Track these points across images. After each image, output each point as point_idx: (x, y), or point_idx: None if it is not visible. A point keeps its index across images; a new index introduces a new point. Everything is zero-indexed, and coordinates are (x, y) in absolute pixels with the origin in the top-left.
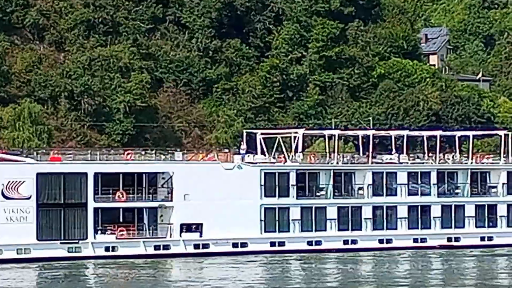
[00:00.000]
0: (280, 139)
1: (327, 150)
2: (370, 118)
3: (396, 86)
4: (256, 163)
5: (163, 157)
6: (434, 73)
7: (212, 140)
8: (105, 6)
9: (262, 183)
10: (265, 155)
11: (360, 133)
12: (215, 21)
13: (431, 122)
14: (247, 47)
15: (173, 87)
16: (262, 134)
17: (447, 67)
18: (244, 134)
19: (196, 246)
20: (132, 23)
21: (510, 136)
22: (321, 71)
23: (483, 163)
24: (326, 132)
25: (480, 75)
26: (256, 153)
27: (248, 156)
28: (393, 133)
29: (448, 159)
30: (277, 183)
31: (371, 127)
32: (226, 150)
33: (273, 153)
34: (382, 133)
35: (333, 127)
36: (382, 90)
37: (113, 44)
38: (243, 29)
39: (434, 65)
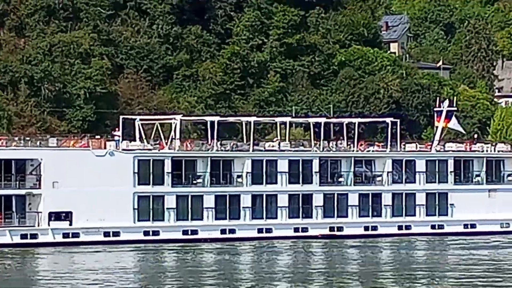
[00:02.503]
0: (159, 126)
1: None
2: (331, 106)
3: (356, 74)
4: (129, 150)
5: (38, 143)
6: (394, 61)
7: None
8: None
9: (136, 170)
10: (143, 142)
11: (244, 119)
12: (176, 7)
13: (391, 110)
14: (208, 34)
15: (133, 74)
16: (141, 120)
17: (407, 55)
18: (121, 119)
19: (65, 235)
20: (93, 9)
21: (398, 123)
22: (281, 58)
23: (368, 151)
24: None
25: (440, 63)
26: (134, 140)
27: (122, 142)
28: (278, 119)
29: (332, 147)
30: (151, 171)
31: (331, 115)
32: (98, 137)
33: (151, 140)
34: (266, 120)
35: (293, 115)
36: (343, 78)
37: (73, 30)
38: (204, 16)
39: (394, 53)
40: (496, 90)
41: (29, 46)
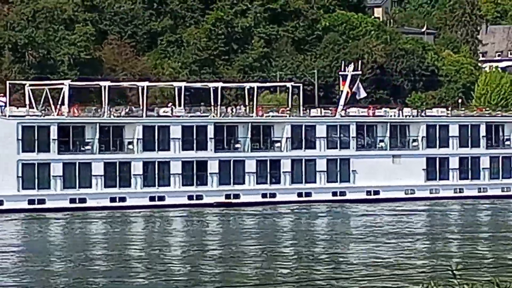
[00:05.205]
0: (48, 91)
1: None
2: (315, 71)
3: (341, 39)
4: (13, 116)
5: None
6: (378, 26)
7: (157, 93)
8: None
9: (20, 137)
10: (32, 108)
11: (140, 84)
12: None
13: (376, 75)
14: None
15: (117, 40)
16: (30, 85)
17: (391, 20)
18: (8, 85)
19: None
20: None
21: (301, 88)
22: (266, 23)
23: (268, 116)
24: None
25: (424, 28)
26: (25, 106)
27: (6, 108)
28: (176, 84)
29: (229, 112)
30: (36, 137)
31: (316, 80)
32: None
33: (40, 106)
34: (162, 84)
35: (277, 80)
36: (327, 43)
37: None
38: None
39: (378, 17)
40: (480, 55)
41: (13, 13)
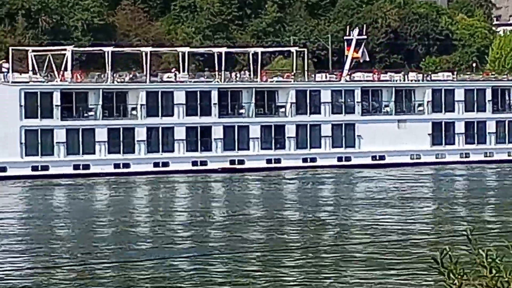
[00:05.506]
0: (51, 57)
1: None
2: (329, 36)
3: (354, 4)
4: (16, 82)
5: None
6: None
7: (170, 58)
8: None
9: (22, 103)
10: (36, 74)
11: (143, 50)
12: None
13: (390, 40)
14: None
15: (131, 5)
16: (33, 51)
17: None
18: (10, 51)
19: None
20: None
21: (306, 52)
22: None
23: (272, 81)
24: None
25: None
26: (28, 72)
27: (9, 75)
28: (180, 50)
29: (234, 77)
30: (39, 104)
31: (330, 45)
32: None
33: (44, 72)
34: (164, 49)
35: (291, 44)
36: (341, 7)
37: None
38: None
39: None
40: (494, 19)
41: None
